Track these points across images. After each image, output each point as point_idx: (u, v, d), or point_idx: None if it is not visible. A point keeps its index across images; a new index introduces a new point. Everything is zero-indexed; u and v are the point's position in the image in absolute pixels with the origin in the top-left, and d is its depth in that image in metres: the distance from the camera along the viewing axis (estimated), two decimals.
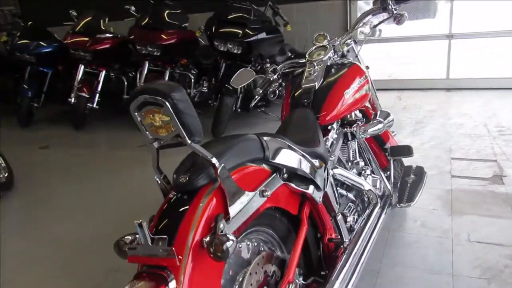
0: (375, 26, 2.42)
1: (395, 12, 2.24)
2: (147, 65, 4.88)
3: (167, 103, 1.08)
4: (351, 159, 2.17)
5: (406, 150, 2.36)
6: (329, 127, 1.94)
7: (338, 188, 1.91)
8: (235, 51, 4.27)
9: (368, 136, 2.13)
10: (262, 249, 1.46)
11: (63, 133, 5.18)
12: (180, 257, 1.06)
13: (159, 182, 1.25)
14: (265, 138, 1.43)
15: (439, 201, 2.67)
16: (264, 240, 1.50)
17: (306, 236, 1.61)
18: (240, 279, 1.32)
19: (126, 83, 5.24)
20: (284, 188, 1.48)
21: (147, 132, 1.16)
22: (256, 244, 1.44)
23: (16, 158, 3.94)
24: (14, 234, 2.80)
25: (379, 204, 2.00)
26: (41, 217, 3.03)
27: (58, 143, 4.80)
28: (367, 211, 1.97)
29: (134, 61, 5.27)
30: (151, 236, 1.08)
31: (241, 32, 4.19)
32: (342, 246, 1.70)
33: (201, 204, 1.14)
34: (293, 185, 1.50)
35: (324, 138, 1.87)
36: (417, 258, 2.15)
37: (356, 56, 2.37)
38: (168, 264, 1.06)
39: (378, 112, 2.19)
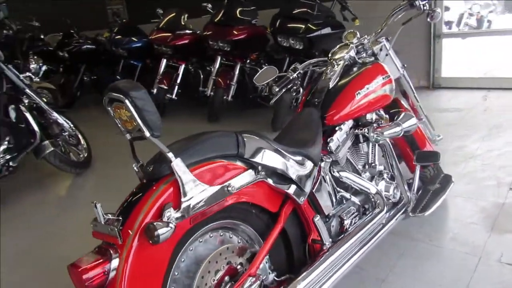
0: (405, 23, 2.29)
1: (424, 8, 2.12)
2: (219, 59, 5.13)
3: (126, 101, 1.21)
4: (369, 161, 2.10)
5: (432, 157, 2.21)
6: (337, 128, 1.90)
7: (340, 189, 1.89)
8: (297, 47, 4.30)
9: (385, 139, 2.04)
10: (234, 241, 1.53)
11: None
12: (125, 237, 1.19)
13: (136, 170, 1.40)
14: (244, 135, 1.50)
15: (482, 215, 2.43)
16: (239, 234, 1.56)
17: (289, 234, 1.65)
18: (201, 265, 1.41)
19: (202, 76, 5.55)
20: (262, 185, 1.53)
21: (119, 125, 1.31)
22: (227, 236, 1.52)
23: (95, 140, 4.47)
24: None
25: (385, 210, 1.91)
26: (105, 194, 3.44)
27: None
28: (370, 216, 1.91)
29: (210, 56, 5.56)
30: (104, 216, 1.23)
31: (302, 27, 4.20)
32: (324, 248, 1.68)
33: (155, 192, 1.27)
34: (271, 183, 1.53)
35: (329, 139, 1.85)
36: (431, 273, 2.02)
37: (387, 55, 2.26)
38: (114, 242, 1.21)
39: (402, 115, 2.08)
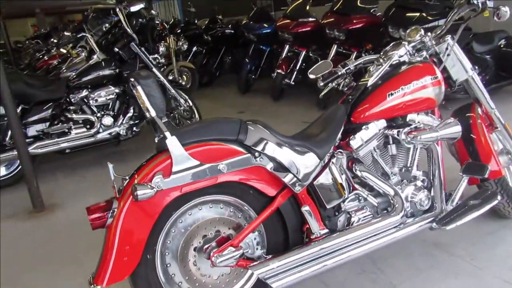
0: (466, 20, 2.09)
1: (483, 6, 1.93)
2: (334, 48, 5.18)
3: (138, 87, 1.54)
4: (405, 165, 2.04)
5: (479, 170, 2.00)
6: (364, 127, 1.91)
7: (358, 187, 1.92)
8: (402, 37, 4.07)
9: (418, 144, 1.95)
10: (227, 215, 1.75)
11: (262, 102, 6.13)
12: (124, 193, 1.54)
13: (156, 141, 1.74)
14: (249, 124, 1.70)
15: None
16: (236, 210, 1.78)
17: (286, 219, 1.79)
18: (189, 228, 1.68)
19: None
20: (261, 170, 1.71)
21: (141, 106, 1.66)
22: (221, 209, 1.75)
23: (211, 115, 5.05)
24: None
25: (400, 214, 1.86)
26: None
27: (253, 110, 5.76)
28: (381, 217, 1.88)
29: (330, 44, 5.62)
30: (115, 175, 1.60)
31: (415, 18, 3.95)
32: (311, 237, 1.77)
33: (153, 162, 1.59)
34: (269, 169, 1.70)
35: (351, 137, 1.89)
36: None
37: (448, 55, 2.11)
38: (116, 196, 1.57)
39: (447, 120, 1.96)
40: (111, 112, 4.04)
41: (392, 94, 1.91)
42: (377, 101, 1.91)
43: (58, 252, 2.50)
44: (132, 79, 1.60)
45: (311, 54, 5.84)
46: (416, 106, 1.95)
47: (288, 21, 5.72)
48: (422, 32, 2.14)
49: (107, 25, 4.51)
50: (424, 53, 2.15)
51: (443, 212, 1.98)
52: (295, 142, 1.76)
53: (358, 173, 1.92)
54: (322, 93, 2.41)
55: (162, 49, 4.43)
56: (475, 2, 2.03)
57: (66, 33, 5.60)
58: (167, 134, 1.55)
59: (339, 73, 2.17)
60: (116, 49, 4.16)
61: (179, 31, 8.52)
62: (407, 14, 4.05)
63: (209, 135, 1.66)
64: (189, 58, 8.05)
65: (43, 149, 3.69)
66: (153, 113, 1.58)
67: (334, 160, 1.84)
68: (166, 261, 1.69)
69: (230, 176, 1.66)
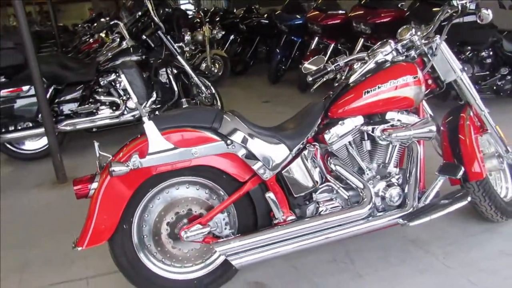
0: (450, 22, 2.09)
1: (462, 7, 1.96)
2: (361, 42, 5.16)
3: (122, 75, 1.73)
4: (383, 161, 2.10)
5: (452, 171, 2.03)
6: (340, 122, 2.00)
7: (331, 179, 2.02)
8: None
9: (394, 141, 2.01)
10: (200, 195, 1.92)
11: (289, 93, 6.20)
12: (105, 169, 1.75)
13: None
14: (226, 114, 1.85)
15: None
16: (210, 192, 1.93)
17: (255, 204, 1.93)
18: (164, 204, 1.87)
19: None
20: (233, 157, 1.86)
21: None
22: (195, 190, 1.91)
23: (240, 107, 5.19)
24: None
25: (367, 208, 1.94)
26: None
27: (279, 100, 5.85)
28: (347, 209, 1.97)
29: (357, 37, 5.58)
30: (100, 153, 1.80)
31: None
32: (273, 222, 1.90)
33: (133, 143, 1.78)
34: (240, 156, 1.84)
35: (326, 131, 1.99)
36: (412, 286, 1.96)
37: (435, 55, 2.13)
38: (98, 171, 1.78)
39: (423, 120, 2.01)
40: None
41: (368, 92, 1.97)
42: (354, 98, 1.98)
43: (74, 220, 2.77)
44: (118, 69, 1.78)
45: (340, 47, 5.83)
46: (393, 105, 2.00)
47: (318, 13, 5.74)
48: (413, 31, 2.18)
49: (140, 13, 4.75)
50: (413, 52, 2.19)
51: (414, 209, 2.02)
52: (266, 133, 1.88)
53: (332, 166, 2.02)
54: (313, 88, 2.50)
55: (187, 37, 4.64)
56: (455, 3, 2.04)
57: (102, 20, 5.95)
58: (145, 119, 1.73)
59: (328, 69, 2.24)
60: (144, 37, 4.41)
61: (218, 19, 8.74)
62: (431, 10, 3.97)
63: (185, 121, 1.82)
64: (226, 46, 8.26)
65: (72, 127, 4.02)
66: (134, 99, 1.76)
67: (305, 152, 1.95)
68: (144, 233, 1.89)
69: (202, 160, 1.82)
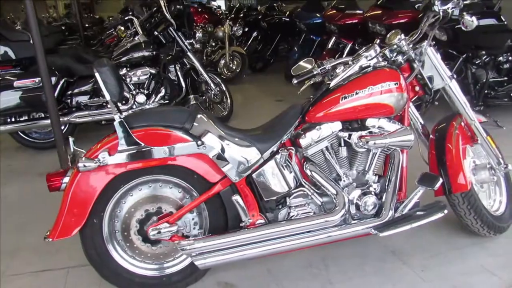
0: (434, 28, 2.02)
1: (444, 14, 1.90)
2: (377, 42, 5.03)
3: (96, 74, 1.77)
4: (365, 169, 2.05)
5: (430, 181, 1.96)
6: (317, 127, 1.97)
7: (306, 183, 2.00)
8: (441, 38, 3.87)
9: (371, 148, 1.96)
10: (170, 194, 1.94)
11: (303, 92, 6.13)
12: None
13: None
14: (199, 115, 1.87)
15: None
16: (183, 191, 1.95)
17: (225, 205, 1.94)
18: (127, 202, 1.90)
19: None
20: (204, 157, 1.87)
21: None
22: (167, 188, 1.94)
23: (250, 104, 5.20)
24: None
25: (338, 215, 1.90)
26: None
27: (292, 99, 5.78)
28: (318, 215, 1.95)
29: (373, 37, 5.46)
30: (75, 148, 1.85)
31: None
32: (240, 224, 1.90)
33: (105, 140, 1.82)
34: (211, 157, 1.85)
35: (302, 135, 1.97)
36: None
37: (420, 61, 2.07)
38: (71, 166, 1.83)
39: (401, 128, 1.95)
40: (145, 91, 4.38)
41: (345, 98, 1.93)
42: (331, 103, 1.95)
43: None
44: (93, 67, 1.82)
45: (357, 47, 5.72)
46: (370, 111, 1.95)
47: (335, 12, 5.65)
48: (401, 36, 2.12)
49: (154, 9, 4.84)
50: (400, 57, 2.13)
51: (389, 219, 1.97)
52: (238, 135, 1.88)
53: (307, 171, 1.99)
54: (300, 91, 2.47)
55: (198, 35, 4.67)
56: (436, 9, 1.97)
57: (118, 14, 6.08)
58: (116, 117, 1.77)
59: (314, 73, 2.22)
60: (156, 33, 4.48)
61: (241, 15, 8.76)
62: None
63: (158, 121, 1.84)
64: (249, 43, 8.28)
65: (82, 119, 4.14)
66: (108, 96, 1.79)
67: (278, 156, 1.93)
68: (115, 228, 1.93)
69: (173, 159, 1.84)
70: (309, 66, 2.29)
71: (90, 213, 1.81)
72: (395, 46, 2.11)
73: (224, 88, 4.85)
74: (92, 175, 1.78)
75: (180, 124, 1.84)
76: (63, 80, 4.02)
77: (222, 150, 1.83)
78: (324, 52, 5.74)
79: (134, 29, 4.74)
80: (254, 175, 1.91)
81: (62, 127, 4.15)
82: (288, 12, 7.71)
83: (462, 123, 2.22)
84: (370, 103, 1.93)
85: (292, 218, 1.98)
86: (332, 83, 2.03)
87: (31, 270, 2.23)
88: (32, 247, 2.44)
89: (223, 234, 1.88)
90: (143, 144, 1.79)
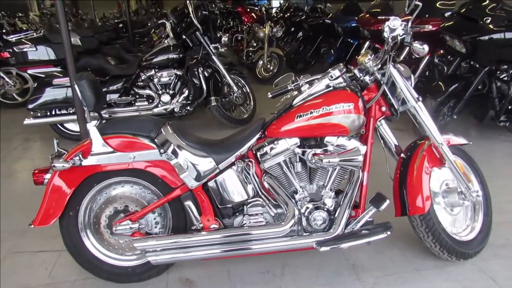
0: (392, 50, 2.03)
1: (393, 41, 1.94)
2: (406, 50, 4.93)
3: (75, 86, 2.04)
4: (325, 184, 2.13)
5: (378, 202, 1.99)
6: (275, 141, 2.09)
7: (264, 194, 2.13)
8: (461, 50, 3.74)
9: (323, 166, 2.03)
10: (136, 194, 2.16)
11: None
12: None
13: None
14: (167, 125, 2.08)
15: None
16: (150, 192, 2.17)
17: (185, 208, 2.12)
18: (101, 199, 2.15)
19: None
20: (166, 164, 2.07)
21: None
22: (134, 189, 2.16)
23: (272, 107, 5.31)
24: None
25: (283, 227, 2.01)
26: None
27: None
28: (266, 225, 2.07)
29: None
30: (58, 149, 2.13)
31: (469, 28, 3.59)
32: (191, 227, 2.07)
33: (80, 144, 2.08)
34: (172, 164, 2.05)
35: (261, 149, 2.10)
36: None
37: (385, 83, 2.09)
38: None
39: (352, 149, 2.02)
40: (170, 91, 4.69)
41: (300, 116, 2.02)
42: (287, 120, 2.05)
43: None
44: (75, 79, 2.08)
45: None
46: (325, 130, 2.02)
47: (368, 16, 5.58)
48: (370, 56, 2.16)
49: (186, 11, 5.10)
50: (367, 77, 2.17)
51: (337, 235, 2.04)
52: (196, 146, 2.05)
53: (265, 183, 2.12)
54: (278, 105, 2.57)
55: (224, 39, 4.87)
56: (385, 36, 1.98)
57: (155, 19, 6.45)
58: (89, 124, 2.02)
59: (288, 88, 2.30)
60: (184, 36, 4.75)
61: (287, 15, 8.86)
62: (464, 24, 3.69)
63: (128, 129, 2.07)
64: (291, 43, 8.38)
65: (111, 115, 4.54)
66: (84, 106, 2.05)
67: (234, 167, 2.08)
68: (90, 221, 2.19)
69: (139, 164, 2.06)
70: (287, 81, 2.37)
71: (66, 206, 2.08)
72: (363, 67, 2.16)
73: (248, 91, 5.03)
74: (67, 174, 2.05)
75: (146, 133, 2.05)
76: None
77: (180, 158, 2.01)
78: (357, 57, 5.68)
79: (166, 33, 5.04)
80: (210, 183, 2.08)
81: (95, 122, 4.58)
82: (331, 14, 7.68)
83: (432, 146, 2.21)
84: (324, 123, 2.01)
85: (244, 225, 2.12)
86: (295, 101, 2.12)
87: (32, 250, 2.58)
88: (39, 230, 2.74)
89: (175, 234, 2.07)
90: (112, 149, 2.02)
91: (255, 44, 7.82)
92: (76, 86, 2.04)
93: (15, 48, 4.41)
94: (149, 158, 2.04)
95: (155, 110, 4.62)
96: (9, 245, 2.65)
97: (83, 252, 2.18)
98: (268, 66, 7.28)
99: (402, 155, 2.26)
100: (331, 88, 2.08)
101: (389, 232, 2.00)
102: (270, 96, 2.35)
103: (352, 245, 1.98)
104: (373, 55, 2.18)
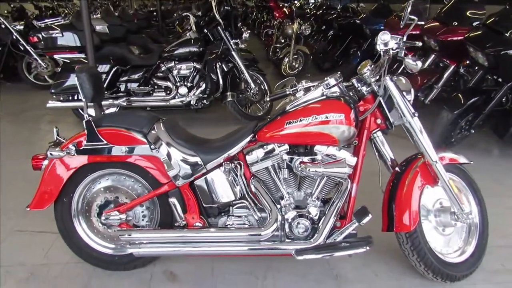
0: (386, 64, 1.98)
1: (383, 55, 1.89)
2: (432, 57, 4.79)
3: (75, 78, 2.11)
4: (312, 192, 2.13)
5: (360, 216, 1.97)
6: (264, 146, 2.09)
7: (250, 197, 2.15)
8: (484, 63, 3.60)
9: (309, 174, 2.02)
10: (127, 187, 2.22)
11: None
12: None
13: None
14: (161, 122, 2.13)
15: None
16: (144, 187, 2.23)
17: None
18: (94, 188, 2.23)
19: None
20: (156, 160, 2.13)
21: None
22: (126, 182, 2.22)
23: None
24: None
25: (265, 232, 2.02)
26: None
27: None
28: (247, 228, 2.09)
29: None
30: (58, 138, 2.22)
31: (493, 41, 3.45)
32: (175, 224, 2.12)
33: (76, 134, 2.16)
34: (162, 160, 2.10)
35: (250, 152, 2.12)
36: None
37: (380, 95, 2.05)
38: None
39: (339, 160, 2.00)
40: (188, 84, 4.75)
41: (290, 123, 2.01)
42: (277, 126, 2.04)
43: None
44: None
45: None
46: (313, 139, 2.01)
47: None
48: (369, 67, 2.12)
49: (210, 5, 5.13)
50: (364, 88, 2.14)
51: (318, 244, 2.03)
52: (185, 145, 2.09)
53: (252, 186, 2.13)
54: (277, 108, 2.56)
55: (245, 35, 4.88)
56: (378, 48, 1.94)
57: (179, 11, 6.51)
58: (85, 116, 2.09)
59: (286, 93, 2.29)
60: (206, 31, 4.79)
61: (319, 13, 8.75)
62: (488, 36, 3.54)
63: (122, 123, 2.13)
64: (319, 42, 8.29)
65: (130, 103, 4.66)
66: (83, 98, 2.12)
67: (221, 168, 2.10)
68: (83, 208, 2.27)
69: (131, 158, 2.12)
70: (288, 85, 2.36)
71: (61, 193, 2.18)
72: (361, 77, 2.13)
73: (266, 88, 5.02)
74: (63, 162, 2.13)
75: (139, 128, 2.10)
76: (115, 68, 4.54)
77: (169, 156, 2.06)
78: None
79: (189, 26, 5.10)
80: (197, 182, 2.11)
81: (114, 109, 4.73)
82: (362, 15, 7.53)
83: (426, 163, 2.15)
84: (312, 132, 1.99)
85: (228, 226, 2.14)
86: (288, 107, 2.12)
87: (32, 230, 2.71)
88: (42, 211, 2.92)
89: (158, 229, 2.13)
90: (105, 142, 2.09)
91: (282, 41, 7.78)
92: (76, 78, 2.11)
93: (43, 33, 4.59)
94: (140, 152, 2.10)
95: (172, 101, 4.70)
96: (13, 224, 2.79)
97: (74, 237, 2.27)
98: (294, 63, 7.24)
99: (397, 168, 2.21)
100: (324, 97, 2.06)
101: (368, 247, 1.98)
102: (267, 99, 2.36)
103: (330, 256, 1.97)
104: (372, 66, 2.13)
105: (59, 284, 2.23)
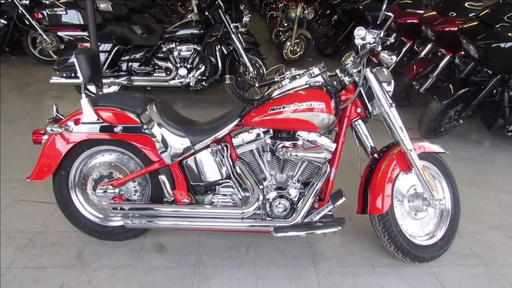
0: (367, 56, 2.10)
1: (362, 48, 1.98)
2: (428, 46, 4.85)
3: (74, 60, 2.24)
4: (293, 174, 2.27)
5: (334, 199, 2.11)
6: (249, 130, 2.22)
7: (236, 177, 2.30)
8: (474, 55, 3.67)
9: (290, 158, 2.16)
10: (126, 165, 2.37)
11: None
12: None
13: None
14: (154, 103, 2.27)
15: None
16: (137, 164, 2.37)
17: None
18: (90, 163, 2.38)
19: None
20: (148, 139, 2.27)
21: None
22: (120, 158, 2.37)
23: None
24: None
25: (244, 210, 2.17)
26: None
27: None
28: (229, 206, 2.25)
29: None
30: (57, 114, 2.36)
31: (482, 33, 3.52)
32: (164, 200, 2.28)
33: (75, 112, 2.30)
34: (153, 140, 2.24)
35: (236, 135, 2.25)
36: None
37: (360, 85, 2.17)
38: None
39: (319, 146, 2.13)
40: (188, 65, 4.86)
41: (273, 109, 2.14)
42: (262, 111, 2.17)
43: None
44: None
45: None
46: (294, 125, 2.13)
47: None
48: (352, 58, 2.23)
49: None
50: (346, 78, 2.25)
51: (296, 223, 2.19)
52: (176, 126, 2.22)
53: (237, 167, 2.28)
54: (265, 94, 2.68)
55: (245, 19, 4.95)
56: (356, 42, 2.04)
57: None
58: (83, 95, 2.23)
59: (274, 80, 2.41)
60: (207, 13, 4.87)
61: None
62: (479, 28, 3.60)
63: (117, 103, 2.26)
64: (321, 26, 8.31)
65: (130, 82, 4.78)
66: (81, 78, 2.26)
67: (208, 149, 2.24)
68: (79, 181, 2.43)
69: (124, 136, 2.27)
70: (277, 72, 2.47)
71: (59, 166, 2.33)
72: (344, 67, 2.24)
73: (264, 72, 5.10)
74: (61, 137, 2.28)
75: (134, 108, 2.24)
76: (117, 47, 4.65)
77: (159, 136, 2.20)
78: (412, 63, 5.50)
79: (191, 8, 5.18)
80: (185, 161, 2.26)
81: (115, 87, 4.86)
82: (365, 0, 7.52)
83: (402, 151, 2.28)
84: (294, 118, 2.11)
85: (212, 203, 2.30)
86: (274, 93, 2.24)
87: (34, 200, 2.89)
88: (44, 183, 3.08)
89: (148, 204, 2.29)
90: (100, 120, 2.23)
91: (285, 24, 7.82)
92: (75, 60, 2.24)
93: (48, 11, 4.68)
94: (132, 131, 2.24)
95: (171, 82, 4.82)
96: (16, 193, 2.96)
97: (70, 207, 2.43)
98: (295, 48, 7.30)
99: (375, 155, 2.34)
100: (307, 86, 2.18)
101: (340, 227, 2.13)
102: (257, 85, 2.49)
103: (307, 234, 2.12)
104: (355, 57, 2.24)
105: (56, 251, 2.41)
